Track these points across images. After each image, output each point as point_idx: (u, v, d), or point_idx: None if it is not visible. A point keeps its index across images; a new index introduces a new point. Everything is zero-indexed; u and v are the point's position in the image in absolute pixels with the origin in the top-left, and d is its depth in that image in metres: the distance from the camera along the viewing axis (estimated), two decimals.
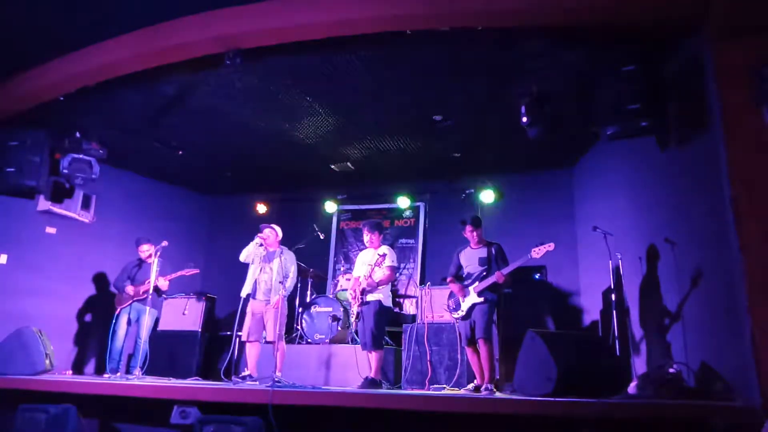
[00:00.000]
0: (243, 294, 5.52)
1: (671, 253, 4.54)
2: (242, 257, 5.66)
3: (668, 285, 4.61)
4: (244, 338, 5.49)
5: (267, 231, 5.63)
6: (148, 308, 6.04)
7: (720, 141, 3.57)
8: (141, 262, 6.47)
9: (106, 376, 5.76)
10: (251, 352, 5.45)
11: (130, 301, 6.26)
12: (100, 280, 7.29)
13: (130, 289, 6.29)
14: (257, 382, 5.15)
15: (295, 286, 5.57)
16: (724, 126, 3.55)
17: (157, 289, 6.23)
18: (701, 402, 3.52)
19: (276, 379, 4.77)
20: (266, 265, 5.57)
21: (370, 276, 5.25)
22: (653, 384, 3.80)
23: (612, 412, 3.38)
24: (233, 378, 5.34)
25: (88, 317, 7.14)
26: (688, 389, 3.79)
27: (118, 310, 6.28)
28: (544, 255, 4.88)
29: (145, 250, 6.41)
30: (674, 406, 3.44)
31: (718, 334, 3.82)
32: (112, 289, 6.60)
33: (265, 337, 5.46)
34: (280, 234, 5.75)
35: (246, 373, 5.34)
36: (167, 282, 6.32)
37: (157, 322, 6.65)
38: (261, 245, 5.60)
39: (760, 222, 3.30)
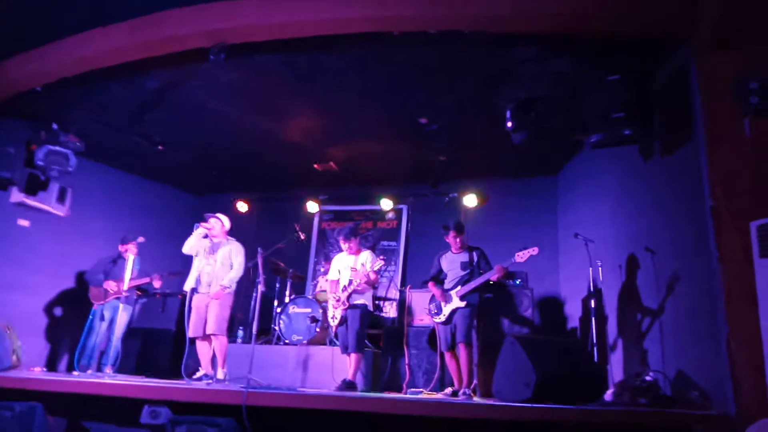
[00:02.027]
0: (186, 288, 5.33)
1: (651, 261, 4.57)
2: (185, 249, 5.44)
3: (647, 293, 4.64)
4: (190, 335, 5.27)
5: (212, 221, 5.44)
6: (121, 305, 5.90)
7: (702, 151, 3.61)
8: (117, 259, 6.32)
9: (75, 373, 5.59)
10: (202, 349, 5.23)
11: (110, 298, 6.10)
12: (75, 275, 7.12)
13: (111, 285, 6.11)
14: (212, 381, 4.97)
15: (273, 286, 5.41)
16: (707, 136, 3.60)
17: (144, 290, 6.11)
18: (677, 410, 3.53)
19: (222, 377, 4.64)
20: (210, 257, 5.37)
21: (367, 277, 5.23)
22: (630, 391, 3.82)
23: (589, 418, 3.39)
24: (186, 380, 5.13)
25: (62, 313, 6.95)
26: (665, 397, 3.82)
27: (95, 305, 6.11)
28: (527, 261, 4.89)
29: (129, 249, 6.23)
30: (650, 414, 3.46)
31: (696, 343, 3.85)
32: (88, 280, 6.41)
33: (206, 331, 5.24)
34: (227, 224, 5.56)
35: (201, 372, 5.10)
36: (161, 282, 6.19)
37: (131, 320, 6.51)
38: (205, 236, 5.40)
39: (740, 233, 3.33)
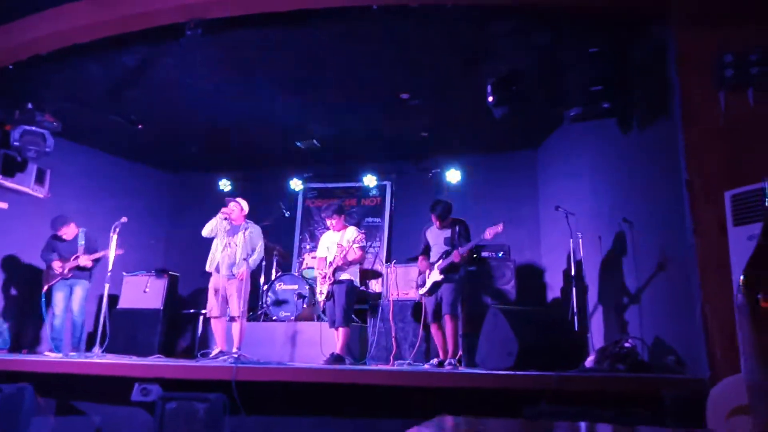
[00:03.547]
0: (209, 268, 5.45)
1: (629, 233, 4.69)
2: (205, 232, 5.53)
3: (626, 264, 4.77)
4: (208, 314, 5.43)
5: (232, 205, 5.51)
6: (79, 281, 5.86)
7: (678, 124, 3.68)
8: (62, 238, 6.13)
9: (52, 355, 5.48)
10: (218, 328, 5.36)
11: (57, 279, 5.95)
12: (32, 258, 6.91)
13: (57, 265, 5.96)
14: (228, 357, 5.00)
15: (260, 263, 5.50)
16: (683, 110, 3.66)
17: (80, 268, 6.00)
18: (654, 375, 3.68)
19: (236, 355, 4.73)
20: (230, 240, 5.44)
21: (345, 256, 5.27)
22: (609, 358, 3.95)
23: (569, 384, 3.51)
24: (202, 359, 5.20)
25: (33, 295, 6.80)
26: (642, 363, 3.96)
27: (46, 287, 5.91)
28: (506, 233, 4.94)
29: (66, 232, 6.08)
30: (628, 379, 3.59)
31: (672, 310, 3.99)
32: (39, 263, 6.24)
33: (228, 313, 5.37)
34: (246, 208, 5.62)
35: (217, 350, 5.24)
36: (90, 261, 6.02)
37: (87, 296, 6.32)
38: (225, 219, 5.48)
39: (714, 205, 3.41)
